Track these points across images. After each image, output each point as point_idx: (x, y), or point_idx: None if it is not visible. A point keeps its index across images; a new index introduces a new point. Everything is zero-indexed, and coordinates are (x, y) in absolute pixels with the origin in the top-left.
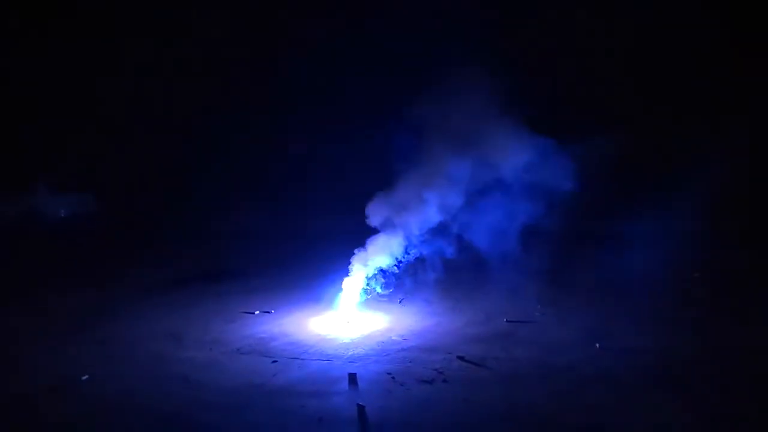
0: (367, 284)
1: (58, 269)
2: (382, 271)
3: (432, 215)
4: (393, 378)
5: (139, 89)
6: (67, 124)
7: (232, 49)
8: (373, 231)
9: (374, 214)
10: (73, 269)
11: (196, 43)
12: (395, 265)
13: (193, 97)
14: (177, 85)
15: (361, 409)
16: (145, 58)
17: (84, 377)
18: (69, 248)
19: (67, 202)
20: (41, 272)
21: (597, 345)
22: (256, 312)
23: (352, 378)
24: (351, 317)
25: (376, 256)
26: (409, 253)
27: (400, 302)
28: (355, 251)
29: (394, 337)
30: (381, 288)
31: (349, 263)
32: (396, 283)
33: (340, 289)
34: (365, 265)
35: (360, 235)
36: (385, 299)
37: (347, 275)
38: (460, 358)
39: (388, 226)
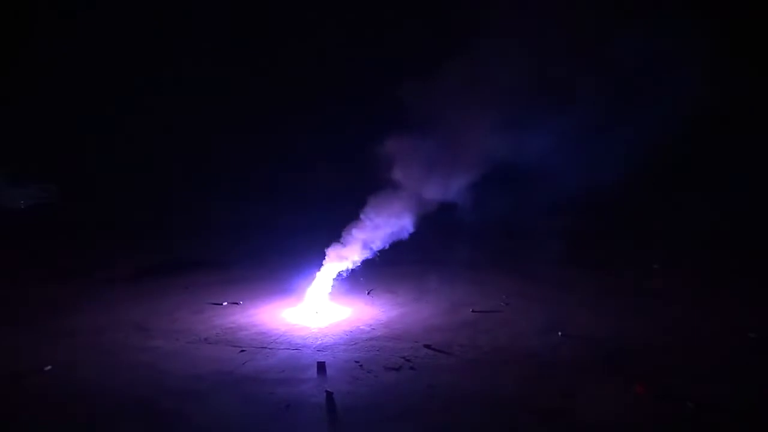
0: (337, 277)
1: (23, 260)
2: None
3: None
4: (361, 366)
5: (112, 82)
6: (31, 114)
7: (212, 46)
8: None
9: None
10: (37, 260)
11: (177, 38)
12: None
13: (171, 93)
14: (153, 79)
15: (329, 395)
16: (120, 51)
17: (47, 367)
18: (32, 239)
19: (28, 192)
20: (5, 263)
21: (559, 333)
22: (224, 303)
23: (321, 366)
24: (320, 308)
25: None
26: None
27: (368, 293)
28: (329, 245)
29: (362, 327)
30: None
31: (319, 256)
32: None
33: (310, 281)
34: (338, 258)
35: (332, 229)
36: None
37: (317, 268)
38: (427, 346)
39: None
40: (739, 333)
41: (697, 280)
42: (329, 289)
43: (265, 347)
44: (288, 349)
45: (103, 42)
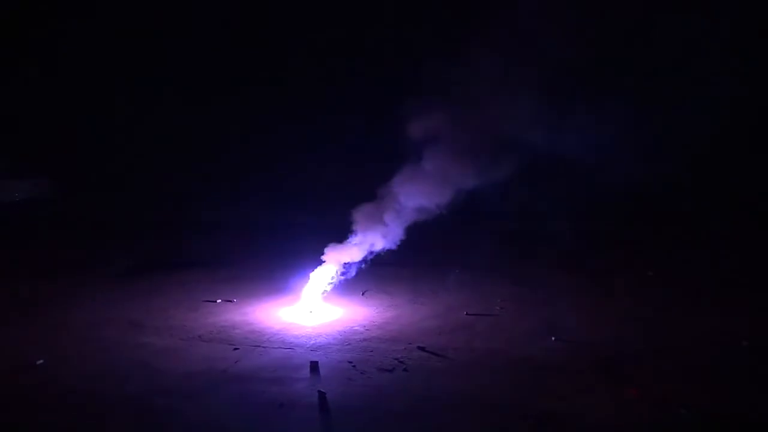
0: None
1: (17, 255)
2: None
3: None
4: (354, 366)
5: (111, 80)
6: (23, 108)
7: (206, 44)
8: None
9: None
10: (31, 256)
11: (174, 37)
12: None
13: (167, 90)
14: (147, 76)
15: (322, 395)
16: (121, 49)
17: (39, 361)
18: (27, 235)
19: (22, 186)
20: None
21: (552, 338)
22: (218, 301)
23: (314, 366)
24: (314, 308)
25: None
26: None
27: (362, 294)
28: (325, 246)
29: (356, 327)
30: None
31: (314, 256)
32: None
33: (305, 281)
34: (334, 259)
35: (327, 231)
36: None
37: (312, 267)
38: (421, 348)
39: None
40: (733, 339)
41: (694, 286)
42: (326, 288)
43: (259, 346)
44: (281, 348)
45: (103, 40)
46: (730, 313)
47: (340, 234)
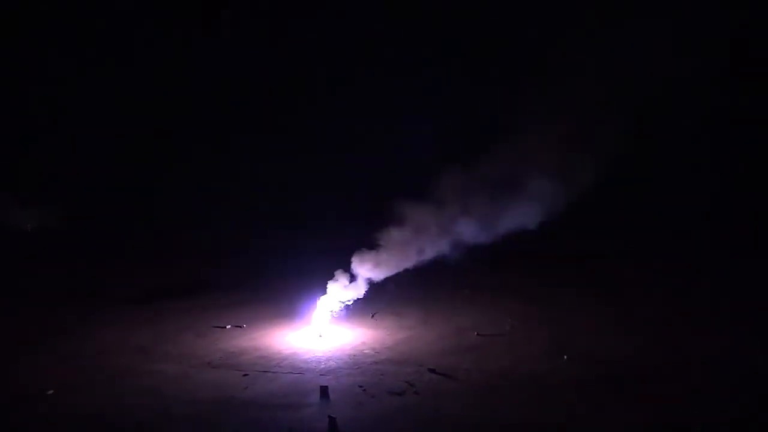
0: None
1: (27, 283)
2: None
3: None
4: (364, 390)
5: (108, 103)
6: (29, 136)
7: (210, 66)
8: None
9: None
10: (42, 284)
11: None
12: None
13: (168, 110)
14: (146, 98)
15: (332, 420)
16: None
17: (50, 392)
18: (37, 262)
19: (33, 215)
20: (10, 286)
21: (564, 357)
22: (228, 326)
23: (324, 390)
24: (324, 331)
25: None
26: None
27: (372, 316)
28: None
29: (366, 350)
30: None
31: (323, 279)
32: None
33: (314, 304)
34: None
35: (333, 253)
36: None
37: (321, 291)
38: (431, 370)
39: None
40: (750, 354)
41: (703, 304)
42: (335, 312)
43: (269, 371)
44: (291, 373)
45: (111, 67)
46: (745, 326)
47: (349, 257)
